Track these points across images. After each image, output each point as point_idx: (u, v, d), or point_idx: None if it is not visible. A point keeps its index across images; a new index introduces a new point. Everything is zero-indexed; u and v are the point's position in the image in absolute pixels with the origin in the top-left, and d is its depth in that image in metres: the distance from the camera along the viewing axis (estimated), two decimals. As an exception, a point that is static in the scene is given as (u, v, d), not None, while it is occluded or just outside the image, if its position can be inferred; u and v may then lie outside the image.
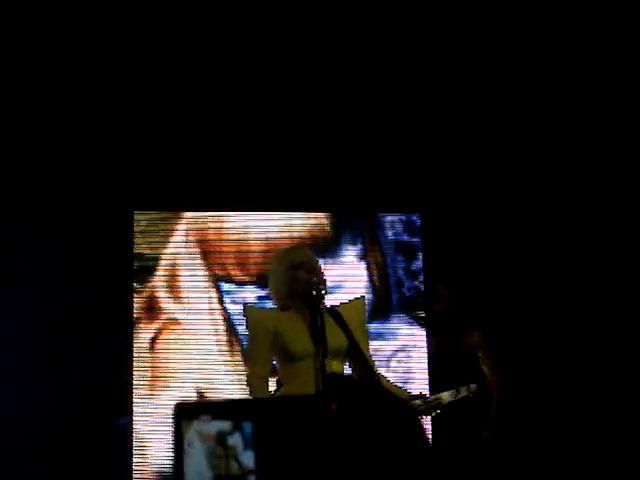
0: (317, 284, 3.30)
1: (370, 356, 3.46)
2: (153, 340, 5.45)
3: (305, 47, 5.45)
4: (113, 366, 5.30)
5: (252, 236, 5.61)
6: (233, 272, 5.58)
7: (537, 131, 5.88)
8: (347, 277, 5.59)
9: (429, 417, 3.51)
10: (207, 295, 5.55)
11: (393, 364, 5.52)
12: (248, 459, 1.55)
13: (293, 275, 3.37)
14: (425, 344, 5.56)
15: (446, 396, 3.48)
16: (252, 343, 3.40)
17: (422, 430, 1.58)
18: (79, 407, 5.20)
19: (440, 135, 5.90)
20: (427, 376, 5.46)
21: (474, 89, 5.78)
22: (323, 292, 3.30)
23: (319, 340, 3.15)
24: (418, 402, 3.29)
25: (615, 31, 5.32)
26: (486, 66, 5.67)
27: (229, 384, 5.38)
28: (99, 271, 5.36)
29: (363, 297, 3.72)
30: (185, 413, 1.57)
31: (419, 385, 5.34)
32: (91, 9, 5.06)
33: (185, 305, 5.51)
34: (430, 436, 5.15)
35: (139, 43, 5.30)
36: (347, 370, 3.44)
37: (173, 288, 5.53)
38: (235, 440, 1.55)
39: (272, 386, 3.44)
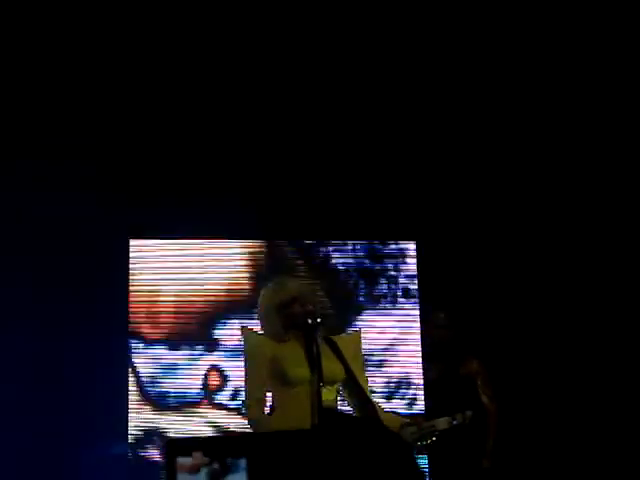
0: (313, 313, 3.29)
1: (368, 388, 3.44)
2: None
3: (281, 65, 5.45)
4: (111, 392, 5.34)
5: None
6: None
7: (530, 155, 5.91)
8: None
9: (425, 444, 3.46)
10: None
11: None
12: (240, 496, 1.53)
13: (286, 313, 3.36)
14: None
15: (441, 423, 3.45)
16: (249, 367, 3.37)
17: (416, 465, 1.58)
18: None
19: (435, 165, 5.92)
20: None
21: (467, 111, 5.80)
22: (319, 320, 3.29)
23: (315, 367, 3.13)
24: (413, 429, 3.27)
25: (615, 31, 5.31)
26: (481, 91, 5.69)
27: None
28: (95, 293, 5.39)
29: (359, 330, 3.71)
30: (177, 449, 1.56)
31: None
32: (80, 28, 5.07)
33: None
34: (429, 466, 5.12)
35: (125, 75, 5.38)
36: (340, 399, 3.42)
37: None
38: (228, 477, 1.53)
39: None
